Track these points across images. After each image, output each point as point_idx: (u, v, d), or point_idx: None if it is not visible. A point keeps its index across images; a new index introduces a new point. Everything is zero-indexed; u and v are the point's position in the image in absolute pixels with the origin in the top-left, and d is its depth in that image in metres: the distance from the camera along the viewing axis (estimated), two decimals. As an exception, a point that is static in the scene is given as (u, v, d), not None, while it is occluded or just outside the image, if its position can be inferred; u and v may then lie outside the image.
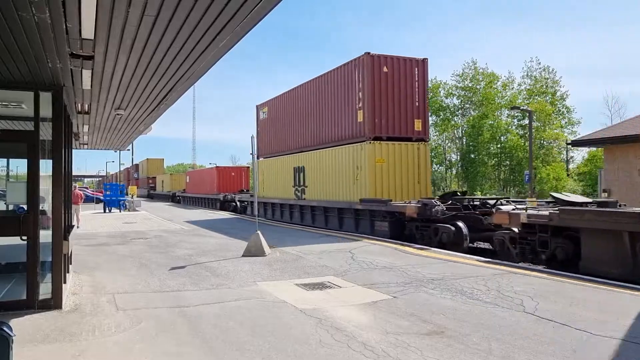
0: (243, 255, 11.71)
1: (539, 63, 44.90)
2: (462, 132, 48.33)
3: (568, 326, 5.82)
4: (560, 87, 43.84)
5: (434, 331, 5.73)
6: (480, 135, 43.91)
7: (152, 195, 65.72)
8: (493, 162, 45.89)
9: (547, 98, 43.06)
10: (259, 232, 12.17)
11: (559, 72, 46.19)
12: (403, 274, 9.20)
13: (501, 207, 12.90)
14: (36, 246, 6.51)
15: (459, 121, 48.26)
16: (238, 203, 31.95)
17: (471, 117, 46.05)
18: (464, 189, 39.48)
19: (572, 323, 5.93)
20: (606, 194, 18.14)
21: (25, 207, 6.61)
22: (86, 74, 6.07)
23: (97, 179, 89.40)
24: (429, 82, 47.77)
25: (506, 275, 8.92)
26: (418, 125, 17.48)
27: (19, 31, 4.53)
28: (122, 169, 79.23)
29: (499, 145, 45.37)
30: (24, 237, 6.46)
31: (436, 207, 13.90)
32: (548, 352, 4.99)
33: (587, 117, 68.75)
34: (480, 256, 11.82)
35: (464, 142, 47.72)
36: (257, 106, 27.36)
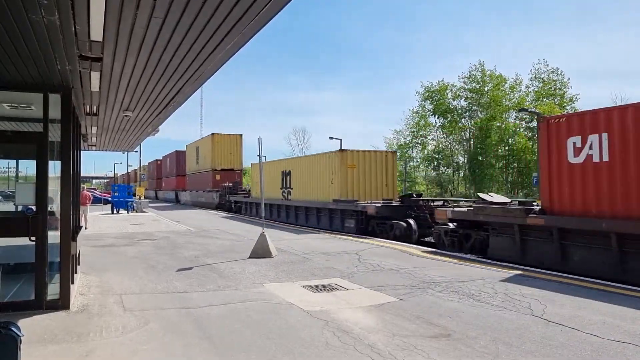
0: (250, 257, 11.72)
1: (547, 65, 44.68)
2: (469, 134, 48.17)
3: (577, 330, 5.76)
4: (569, 89, 43.60)
5: (440, 334, 5.70)
6: (487, 138, 43.76)
7: (236, 207, 32.01)
8: (501, 164, 45.68)
9: (556, 100, 42.83)
10: (265, 234, 12.18)
11: (566, 73, 45.82)
12: (410, 277, 9.16)
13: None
14: (44, 247, 6.55)
15: (467, 123, 48.11)
16: None
17: (479, 119, 45.88)
18: (471, 191, 38.88)
19: (581, 327, 5.87)
20: None
21: (33, 208, 6.66)
22: (94, 76, 6.10)
23: (106, 180, 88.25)
24: (437, 84, 47.86)
25: (514, 278, 8.86)
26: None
27: (29, 33, 4.57)
28: (138, 166, 58.94)
29: (506, 148, 45.17)
30: (33, 238, 6.51)
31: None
32: (556, 356, 4.94)
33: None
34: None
35: (472, 145, 47.54)
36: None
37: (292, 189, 23.79)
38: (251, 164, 30.34)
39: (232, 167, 38.92)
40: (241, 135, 40.49)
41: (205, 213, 32.08)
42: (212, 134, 39.30)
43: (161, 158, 58.90)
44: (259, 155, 13.28)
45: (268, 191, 25.72)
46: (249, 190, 32.33)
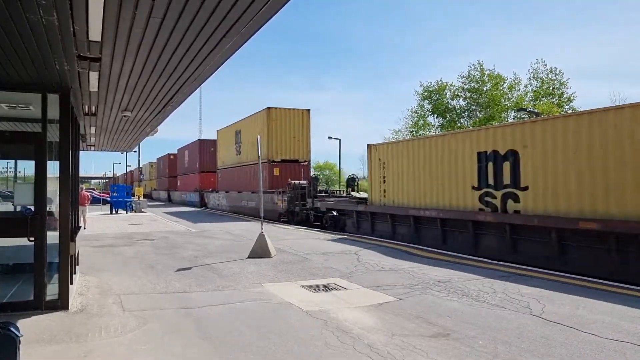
0: (249, 257, 11.72)
1: (545, 64, 44.73)
2: (468, 133, 48.07)
3: (576, 329, 5.77)
4: (567, 88, 43.68)
5: (439, 333, 5.70)
6: (486, 137, 43.67)
7: (331, 220, 19.55)
8: (499, 163, 45.60)
9: (554, 99, 42.89)
10: (264, 233, 12.19)
11: (565, 73, 45.92)
12: (409, 276, 9.17)
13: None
14: (43, 247, 6.54)
15: (466, 123, 48.11)
16: None
17: (477, 119, 45.89)
18: None
19: (579, 326, 5.88)
20: None
21: (32, 208, 6.65)
22: (93, 76, 6.10)
23: (105, 180, 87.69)
24: (436, 83, 47.84)
25: (512, 278, 8.87)
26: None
27: (27, 33, 4.56)
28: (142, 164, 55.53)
29: (506, 147, 45.07)
30: (31, 238, 6.50)
31: None
32: (555, 355, 4.95)
33: (594, 118, 67.88)
34: None
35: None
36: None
37: (523, 190, 11.44)
38: (368, 146, 17.87)
39: (297, 157, 26.26)
40: (308, 110, 27.53)
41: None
42: (268, 107, 26.44)
43: (176, 151, 49.38)
44: (258, 156, 13.28)
45: (431, 193, 14.49)
46: (334, 192, 22.43)
